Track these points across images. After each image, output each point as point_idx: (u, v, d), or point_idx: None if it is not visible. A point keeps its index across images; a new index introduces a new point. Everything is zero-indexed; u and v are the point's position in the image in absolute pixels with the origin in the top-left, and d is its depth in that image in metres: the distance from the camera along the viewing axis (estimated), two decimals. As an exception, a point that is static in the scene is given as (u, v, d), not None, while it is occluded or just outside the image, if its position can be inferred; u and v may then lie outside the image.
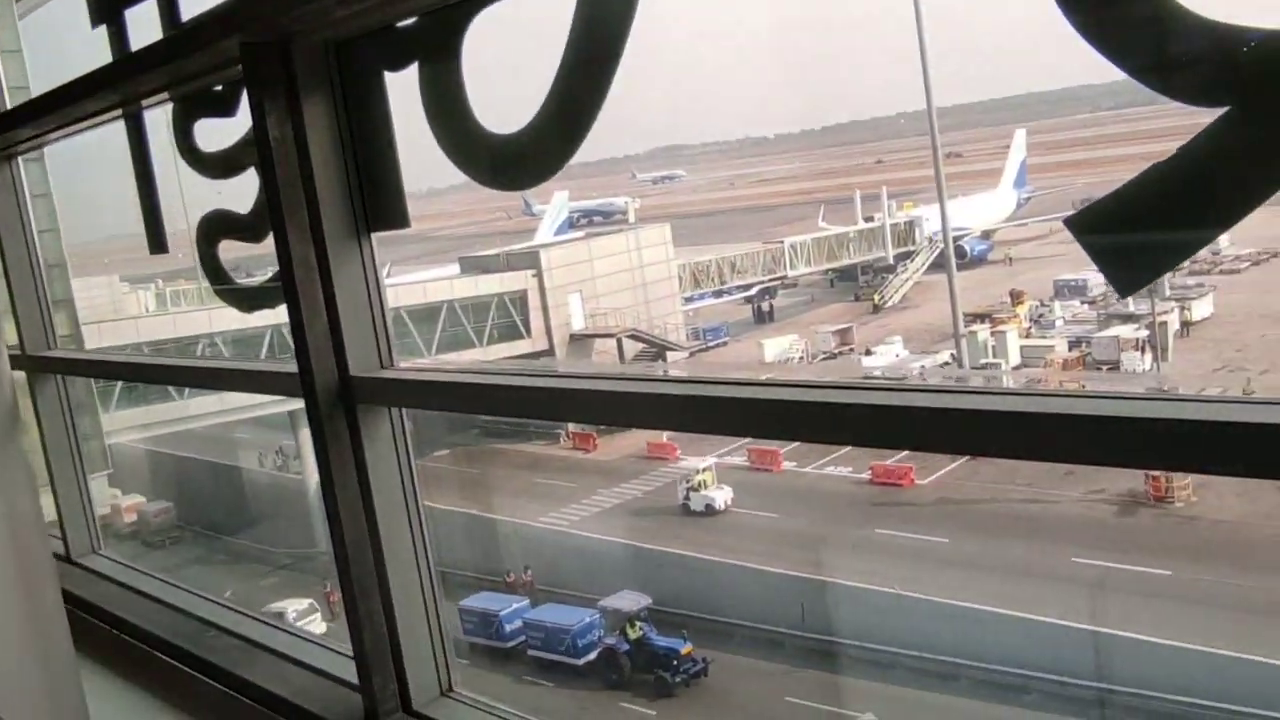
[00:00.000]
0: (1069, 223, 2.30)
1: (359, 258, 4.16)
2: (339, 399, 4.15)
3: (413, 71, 3.84)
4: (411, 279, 51.91)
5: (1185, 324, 45.23)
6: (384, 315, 4.26)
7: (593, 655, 28.15)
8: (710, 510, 33.92)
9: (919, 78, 54.44)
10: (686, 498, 34.62)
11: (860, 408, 2.75)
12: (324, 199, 4.03)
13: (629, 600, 28.65)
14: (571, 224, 72.67)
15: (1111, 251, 2.31)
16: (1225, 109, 2.12)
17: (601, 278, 48.94)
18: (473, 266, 50.56)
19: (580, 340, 48.31)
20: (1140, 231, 2.26)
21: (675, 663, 26.99)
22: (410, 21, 3.79)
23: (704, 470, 34.54)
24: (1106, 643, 23.96)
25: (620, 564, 31.77)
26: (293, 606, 29.54)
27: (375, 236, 4.26)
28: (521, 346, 46.87)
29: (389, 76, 3.97)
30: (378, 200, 4.10)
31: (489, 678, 27.77)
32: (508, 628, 29.51)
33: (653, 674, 27.09)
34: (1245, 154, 2.12)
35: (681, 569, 29.96)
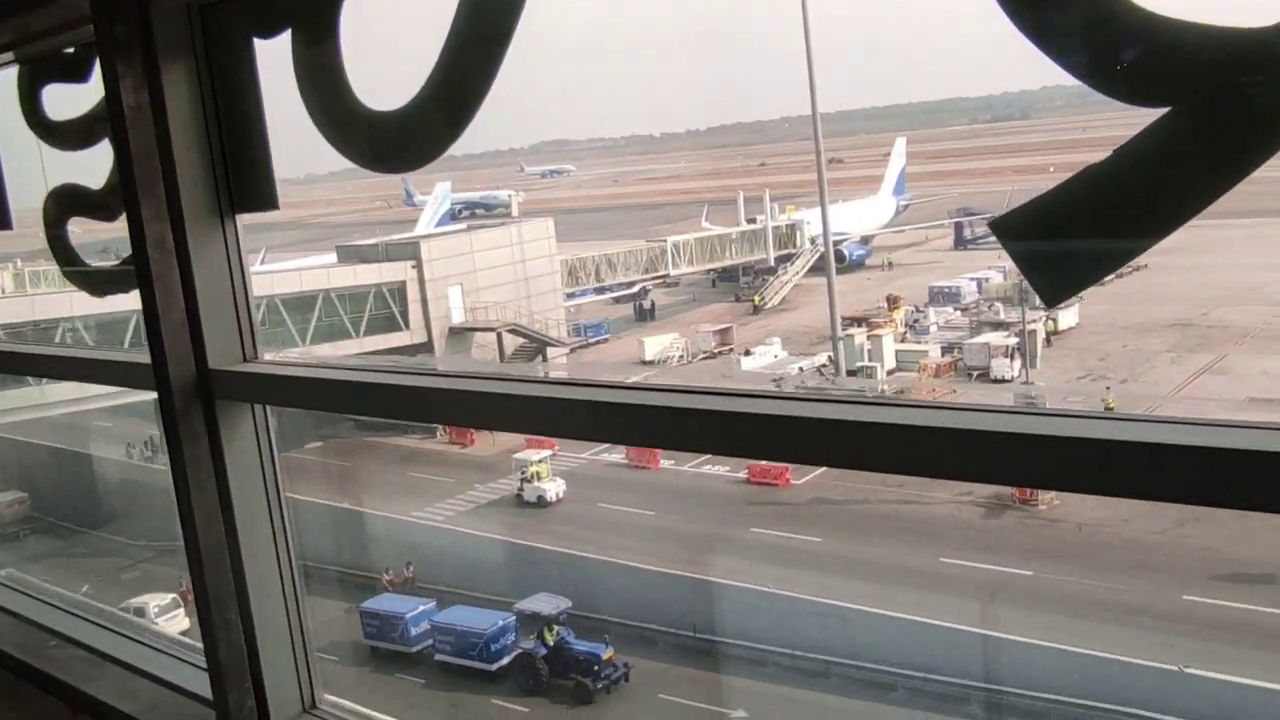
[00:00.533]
0: (994, 226, 2.15)
1: (222, 240, 3.83)
2: (196, 393, 3.82)
3: (286, 40, 3.55)
4: (287, 266, 50.75)
5: (1051, 333, 46.66)
6: (248, 304, 3.94)
7: (506, 660, 27.03)
8: (541, 502, 34.12)
9: (804, 83, 55.18)
10: (520, 489, 34.71)
11: (722, 415, 2.62)
12: (184, 175, 3.70)
13: (546, 603, 27.61)
14: (453, 215, 71.82)
15: (1040, 258, 2.16)
16: (1166, 110, 1.98)
17: (483, 271, 48.41)
18: (351, 256, 49.60)
19: (459, 333, 47.72)
20: (1071, 238, 2.11)
21: (596, 668, 26.03)
22: (283, -15, 3.49)
23: (538, 462, 34.48)
24: (971, 641, 24.48)
25: (495, 560, 31.43)
26: (155, 601, 28.53)
27: (243, 219, 3.94)
28: (399, 339, 46.11)
29: (259, 44, 3.66)
30: (244, 179, 3.78)
31: (393, 684, 26.97)
32: (413, 631, 28.18)
33: (572, 679, 26.07)
34: (1186, 158, 1.99)
35: (558, 566, 29.74)
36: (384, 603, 29.41)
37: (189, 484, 3.80)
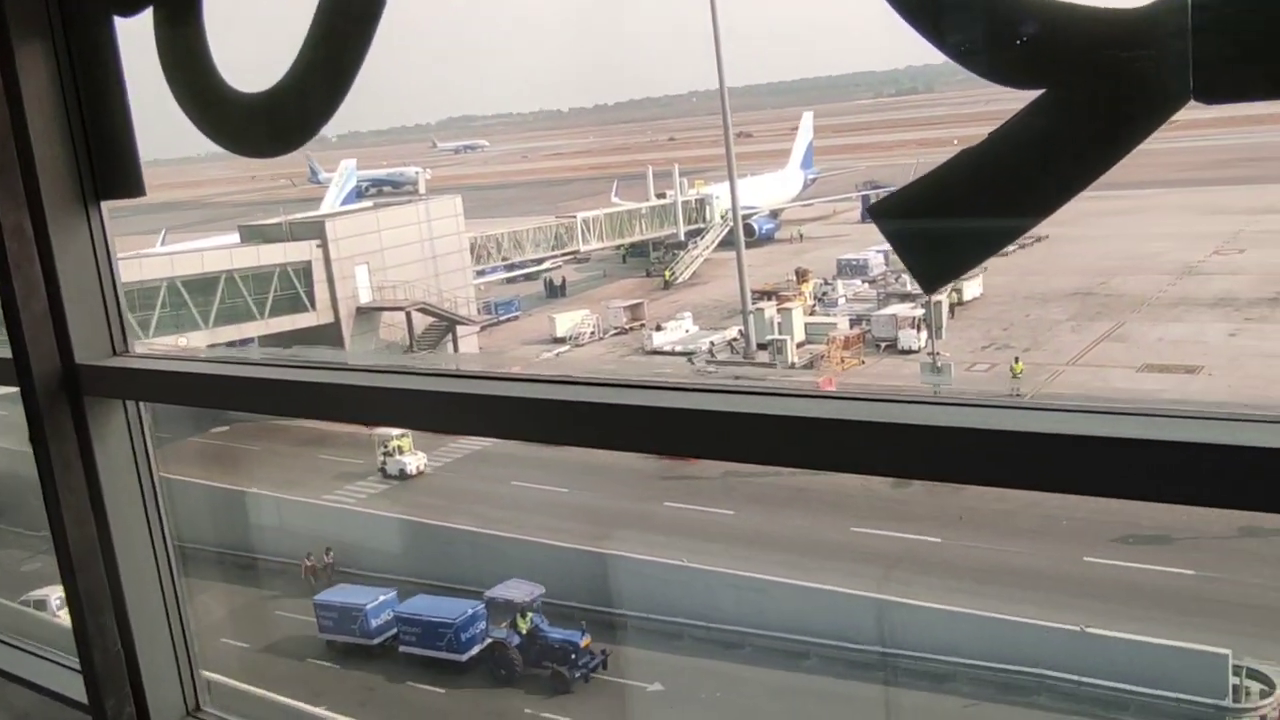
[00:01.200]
0: (871, 211, 2.09)
1: (86, 228, 3.64)
2: (62, 389, 3.63)
3: (149, 19, 3.37)
4: (188, 247, 49.64)
5: (955, 304, 47.45)
6: (117, 294, 3.75)
7: (476, 650, 25.69)
8: (404, 475, 34.39)
9: (712, 58, 55.22)
10: (383, 463, 34.79)
11: (611, 408, 2.55)
12: (42, 160, 3.50)
13: (519, 590, 26.31)
14: (360, 193, 70.77)
15: (918, 242, 2.11)
16: (1042, 91, 1.94)
17: (391, 249, 47.76)
18: (254, 235, 48.60)
19: (367, 313, 47.09)
20: (949, 220, 2.06)
21: (574, 656, 24.87)
22: (143, -41, 3.31)
23: (399, 437, 34.44)
24: (881, 608, 24.85)
25: (408, 541, 31.14)
26: (55, 594, 27.75)
27: (122, 204, 3.76)
28: (306, 319, 45.35)
29: (120, 23, 3.47)
30: (108, 164, 3.59)
31: (353, 678, 25.86)
32: (374, 623, 26.73)
33: (547, 669, 24.89)
34: (1063, 138, 1.95)
35: (472, 545, 29.53)
36: (340, 594, 28.01)
37: (56, 485, 3.61)
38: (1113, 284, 48.80)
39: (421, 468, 34.83)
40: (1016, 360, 37.38)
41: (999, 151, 2.02)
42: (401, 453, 34.83)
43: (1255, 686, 21.51)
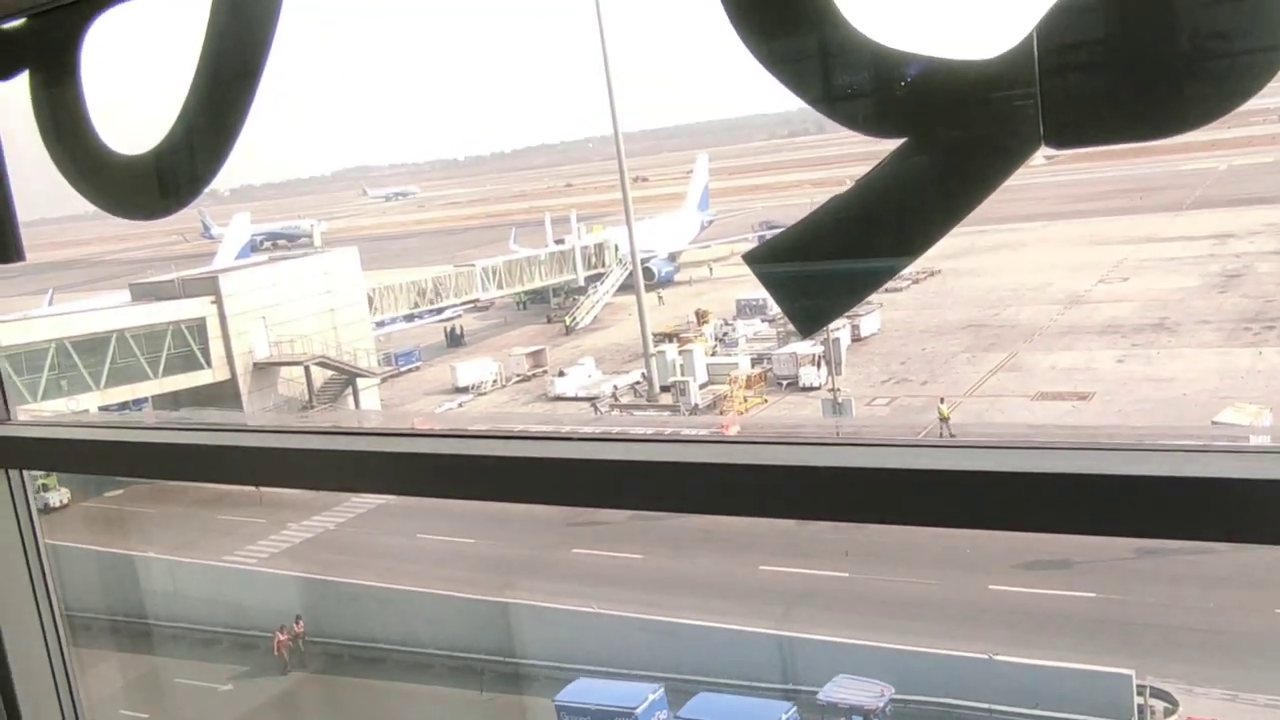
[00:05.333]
0: (748, 258, 2.16)
1: (-37, 295, 3.56)
2: (-61, 460, 3.54)
3: (24, 82, 3.33)
4: (77, 307, 48.42)
5: (855, 339, 48.21)
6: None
7: None
8: (48, 509, 33.64)
9: (605, 104, 55.72)
10: (44, 502, 34.00)
11: (493, 460, 2.57)
12: (-87, 227, 3.43)
13: (860, 690, 21.53)
14: (254, 247, 69.73)
15: (792, 287, 2.18)
16: (903, 140, 2.03)
17: (287, 303, 47.10)
18: (146, 293, 47.56)
19: (265, 369, 46.30)
20: (821, 265, 2.14)
21: None
22: (17, 23, 3.28)
23: (46, 475, 33.47)
24: (790, 645, 24.95)
25: (314, 600, 30.51)
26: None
27: (6, 266, 3.68)
28: (201, 377, 44.39)
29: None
30: (-16, 229, 3.53)
31: None
32: None
33: None
34: (925, 183, 2.04)
35: (375, 601, 29.03)
36: (586, 694, 23.12)
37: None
38: (1004, 315, 50.05)
39: (65, 501, 34.87)
40: (942, 401, 37.64)
41: (866, 197, 2.10)
42: (47, 490, 34.00)
43: (1159, 705, 22.02)
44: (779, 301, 2.16)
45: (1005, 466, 2.02)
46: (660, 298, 62.61)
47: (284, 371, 47.12)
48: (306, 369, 46.63)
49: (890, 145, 2.11)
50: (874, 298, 52.99)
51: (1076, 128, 1.92)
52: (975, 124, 2.00)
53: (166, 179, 3.21)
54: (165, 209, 3.28)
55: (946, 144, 2.04)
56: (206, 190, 3.26)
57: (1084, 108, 1.93)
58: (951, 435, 34.26)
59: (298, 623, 28.51)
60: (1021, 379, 41.50)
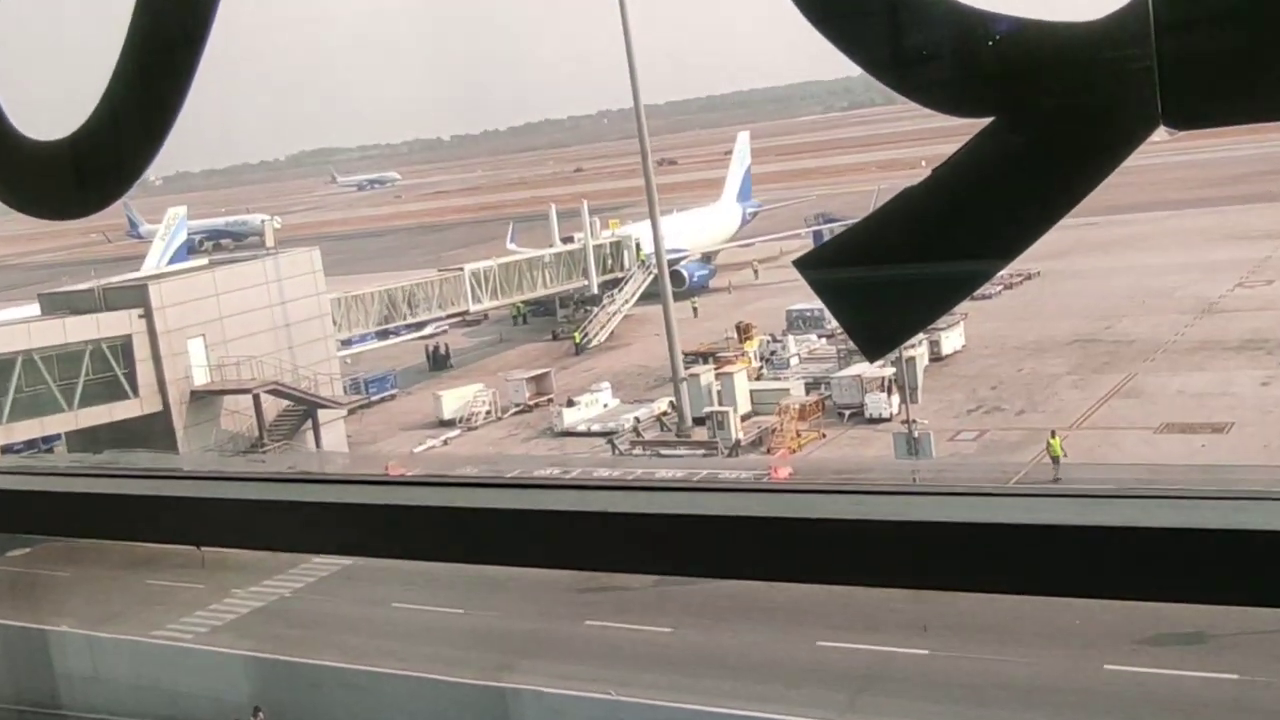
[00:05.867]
0: (800, 264, 2.16)
1: None
2: None
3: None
4: (-29, 323, 48.77)
5: (934, 358, 48.12)
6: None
7: None
8: None
9: (624, 71, 55.93)
10: None
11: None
12: None
13: None
14: (192, 248, 70.26)
15: (855, 299, 2.18)
16: (990, 120, 2.04)
17: (233, 317, 47.36)
18: (59, 305, 47.97)
19: (205, 398, 46.49)
20: (892, 270, 2.14)
21: None
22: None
23: None
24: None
25: (264, 685, 30.52)
26: None
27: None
28: (126, 409, 44.68)
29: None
30: None
31: None
32: None
33: None
34: (1019, 169, 2.04)
35: (342, 687, 29.00)
36: None
37: None
38: (1119, 327, 49.90)
39: None
40: (1053, 435, 37.16)
41: (946, 187, 2.10)
42: None
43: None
44: (838, 317, 2.16)
45: (1129, 520, 2.01)
46: (694, 308, 62.71)
47: (228, 401, 47.30)
48: (256, 398, 46.79)
49: (975, 123, 2.12)
50: (957, 308, 52.53)
51: (1203, 102, 1.92)
52: (1079, 97, 2.01)
53: (87, 169, 3.25)
54: (85, 205, 3.31)
55: (1045, 121, 2.04)
56: (134, 182, 3.29)
57: (1213, 77, 1.93)
58: (1057, 480, 34.09)
59: (256, 716, 28.48)
60: (1142, 406, 41.32)
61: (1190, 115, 1.97)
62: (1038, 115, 2.10)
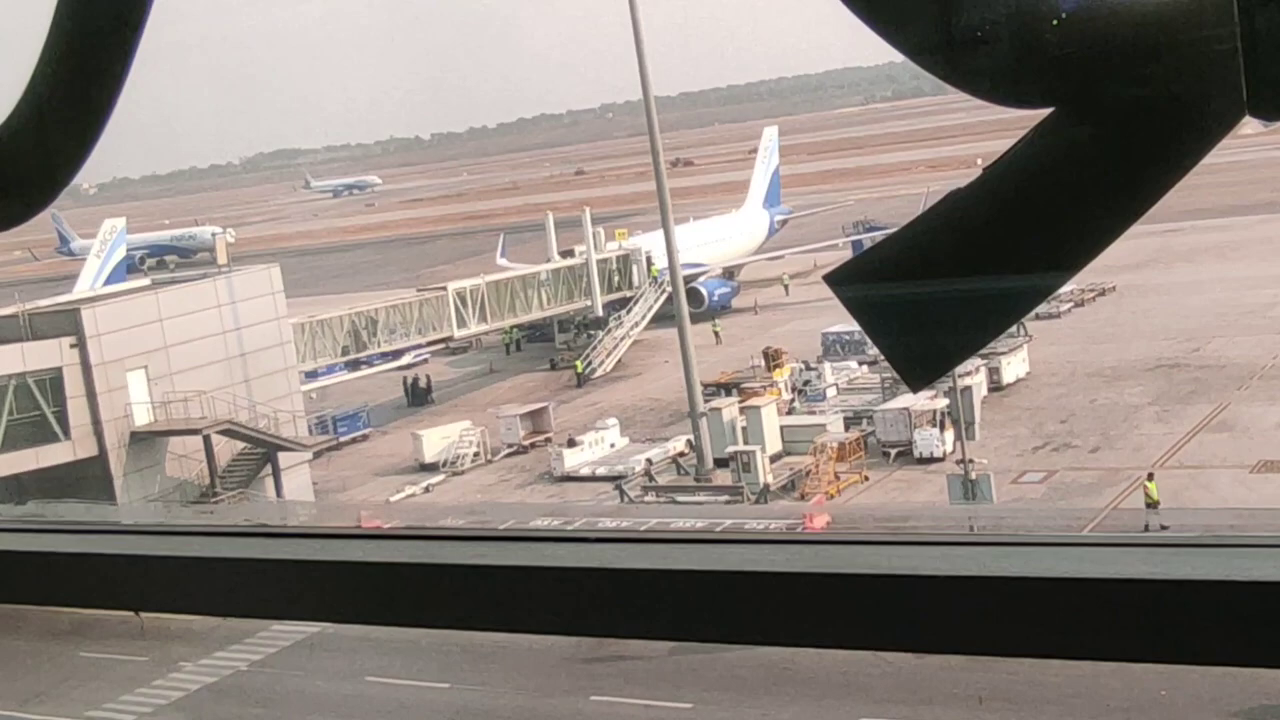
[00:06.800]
0: (831, 279, 2.16)
1: None
2: None
3: None
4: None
5: (993, 388, 48.09)
6: None
7: None
8: None
9: (631, 59, 56.00)
10: None
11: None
12: None
13: None
14: (133, 266, 70.50)
15: (896, 320, 2.18)
16: (1049, 111, 2.04)
17: (179, 346, 47.41)
18: (-24, 334, 48.12)
19: (147, 440, 46.43)
20: (938, 286, 2.14)
21: None
22: None
23: None
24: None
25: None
26: None
27: None
28: (55, 454, 44.70)
29: None
30: None
31: None
32: None
33: None
34: (1084, 168, 2.05)
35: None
36: None
37: None
38: (1208, 350, 49.84)
39: None
40: (1150, 478, 36.82)
41: (1001, 189, 2.11)
42: None
43: None
44: (876, 340, 2.15)
45: (1225, 574, 2.00)
46: (716, 332, 62.72)
47: (174, 444, 47.27)
48: (207, 439, 46.75)
49: (1034, 116, 2.13)
50: (1018, 329, 52.70)
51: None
52: (1154, 85, 2.01)
53: (8, 175, 3.27)
54: (7, 217, 3.33)
55: (1115, 113, 2.05)
56: (65, 189, 3.31)
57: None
58: (1160, 527, 33.86)
59: None
60: (1235, 442, 41.20)
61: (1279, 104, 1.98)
62: (1107, 106, 2.10)
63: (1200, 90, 2.05)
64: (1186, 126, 2.09)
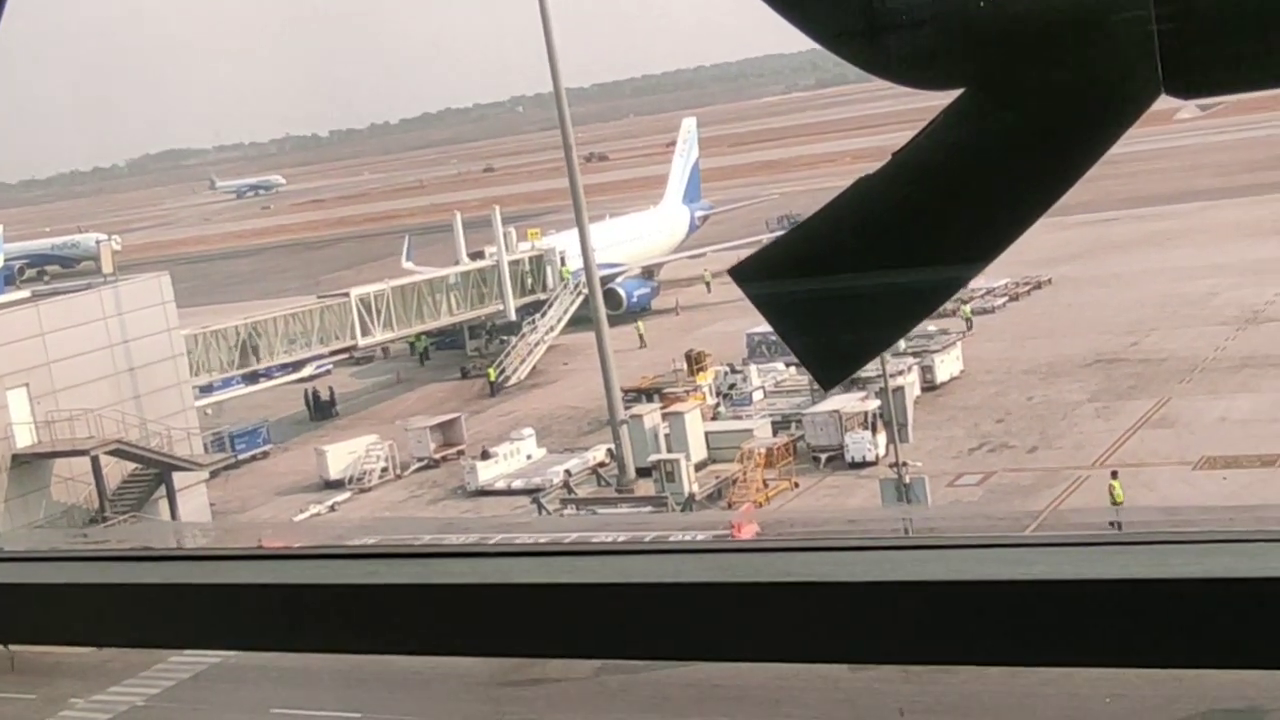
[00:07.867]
0: (736, 273, 2.16)
1: None
2: None
3: None
4: None
5: (926, 387, 48.29)
6: None
7: None
8: None
9: (541, 49, 55.90)
10: None
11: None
12: None
13: None
14: (11, 277, 69.65)
15: (803, 316, 2.19)
16: (959, 93, 2.06)
17: (63, 361, 46.89)
18: None
19: (29, 463, 45.82)
20: (847, 280, 2.15)
21: None
22: None
23: None
24: None
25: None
26: None
27: None
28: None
29: None
30: None
31: None
32: None
33: None
34: (996, 151, 2.07)
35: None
36: None
37: None
38: (1147, 343, 50.28)
39: None
40: (1114, 476, 37.10)
41: (910, 176, 2.12)
42: None
43: None
44: (785, 338, 2.16)
45: (1157, 573, 2.00)
46: (640, 335, 62.70)
47: (60, 466, 46.72)
48: (95, 460, 46.22)
49: (945, 99, 2.14)
50: (953, 325, 53.01)
51: (1210, 67, 1.95)
52: (1073, 67, 2.04)
53: None
54: None
55: (1026, 94, 2.07)
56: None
57: (1221, 39, 1.96)
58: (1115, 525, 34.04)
59: None
60: (1177, 438, 41.55)
61: (1196, 81, 2.00)
62: (1018, 86, 2.13)
63: (1118, 71, 2.08)
64: (1105, 108, 2.11)
